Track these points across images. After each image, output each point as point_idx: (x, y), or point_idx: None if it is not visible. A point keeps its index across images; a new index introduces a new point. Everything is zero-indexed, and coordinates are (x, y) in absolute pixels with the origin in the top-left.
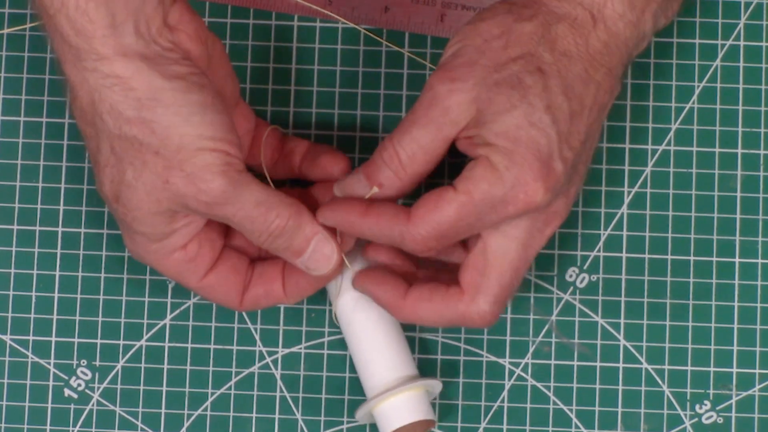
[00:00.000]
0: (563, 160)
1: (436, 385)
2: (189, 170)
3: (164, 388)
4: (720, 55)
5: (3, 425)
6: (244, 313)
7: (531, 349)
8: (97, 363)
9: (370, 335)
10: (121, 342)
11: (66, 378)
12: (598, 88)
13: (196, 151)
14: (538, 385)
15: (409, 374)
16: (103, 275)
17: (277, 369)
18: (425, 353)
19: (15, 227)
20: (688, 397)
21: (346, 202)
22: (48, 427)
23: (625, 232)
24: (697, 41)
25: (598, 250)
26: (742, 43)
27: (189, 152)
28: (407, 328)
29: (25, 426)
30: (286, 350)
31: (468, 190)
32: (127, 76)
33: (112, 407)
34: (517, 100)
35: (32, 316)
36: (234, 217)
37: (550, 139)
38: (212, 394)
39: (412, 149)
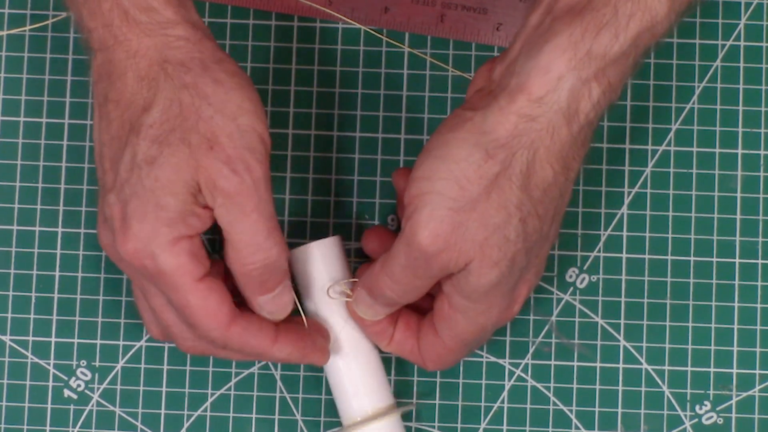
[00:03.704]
0: (528, 282)
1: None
2: (237, 144)
3: (164, 389)
4: (720, 56)
5: (3, 426)
6: None
7: (531, 350)
8: (97, 363)
9: (350, 363)
10: (121, 342)
11: (66, 378)
12: (565, 193)
13: (247, 130)
14: (538, 385)
15: (384, 405)
16: (102, 275)
17: (276, 369)
18: None
19: (15, 228)
20: (688, 398)
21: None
22: (48, 428)
23: (625, 233)
24: (697, 42)
25: (598, 251)
26: (742, 43)
27: (240, 127)
28: None
29: (25, 426)
30: None
31: (454, 341)
32: (195, 40)
33: (111, 408)
34: (503, 260)
35: (32, 316)
36: (246, 219)
37: (520, 276)
38: (212, 394)
39: (415, 296)
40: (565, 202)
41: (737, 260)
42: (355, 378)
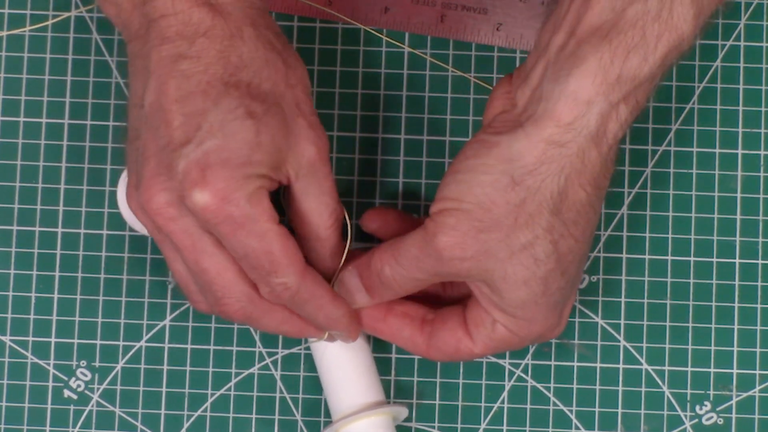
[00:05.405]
0: (572, 300)
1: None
2: (313, 112)
3: (164, 389)
4: (720, 56)
5: (3, 426)
6: None
7: (531, 350)
8: (97, 364)
9: (341, 360)
10: (121, 343)
11: (65, 379)
12: (598, 211)
13: (313, 108)
14: (538, 385)
15: (376, 400)
16: (102, 276)
17: (276, 370)
18: None
19: (15, 228)
20: (689, 398)
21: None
22: (47, 428)
23: (625, 233)
24: (697, 42)
25: (598, 251)
26: (742, 43)
27: (310, 100)
28: None
29: (25, 427)
30: (286, 351)
31: (488, 348)
32: (270, 16)
33: (111, 408)
34: (533, 279)
35: (32, 317)
36: (326, 181)
37: (564, 295)
38: (212, 395)
39: (410, 289)
40: (597, 219)
41: (737, 260)
42: (347, 372)
